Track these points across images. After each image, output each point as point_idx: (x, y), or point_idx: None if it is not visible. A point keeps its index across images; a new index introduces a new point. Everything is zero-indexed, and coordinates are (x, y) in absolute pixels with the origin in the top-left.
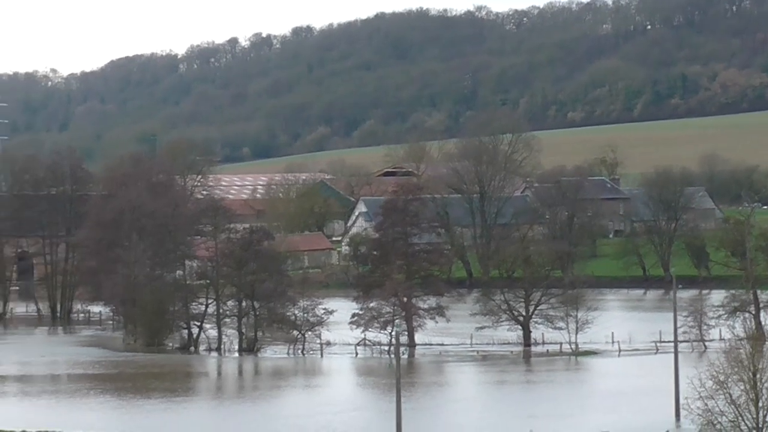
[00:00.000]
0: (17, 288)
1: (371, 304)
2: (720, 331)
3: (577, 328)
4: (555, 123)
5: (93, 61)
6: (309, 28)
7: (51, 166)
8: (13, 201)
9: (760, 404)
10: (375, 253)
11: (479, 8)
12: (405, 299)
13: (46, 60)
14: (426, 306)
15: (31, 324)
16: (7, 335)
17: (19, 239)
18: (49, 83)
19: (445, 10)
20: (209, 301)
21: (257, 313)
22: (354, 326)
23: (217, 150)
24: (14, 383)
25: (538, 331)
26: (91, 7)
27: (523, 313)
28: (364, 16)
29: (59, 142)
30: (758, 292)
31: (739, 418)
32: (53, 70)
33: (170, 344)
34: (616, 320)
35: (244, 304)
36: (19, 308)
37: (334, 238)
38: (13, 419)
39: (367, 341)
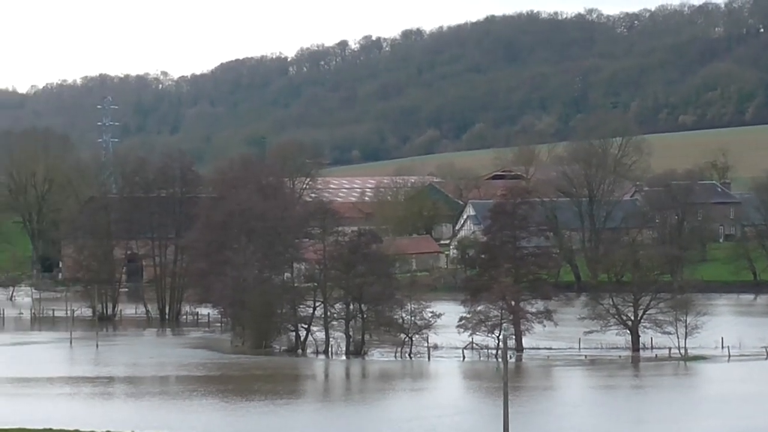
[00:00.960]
0: (126, 290)
1: (479, 308)
2: None
3: (686, 332)
4: (666, 126)
5: (203, 64)
6: (419, 31)
7: (161, 168)
8: (123, 203)
9: None
10: (483, 256)
11: (590, 11)
12: (513, 303)
13: (158, 63)
14: (534, 310)
15: (139, 326)
16: (116, 337)
17: (129, 241)
18: (160, 86)
19: (556, 13)
20: (317, 304)
21: (365, 316)
22: (461, 330)
23: (326, 153)
24: (123, 384)
25: (646, 336)
26: (202, 10)
27: (632, 318)
28: (474, 19)
29: (169, 144)
30: None
31: None
32: (164, 73)
33: (278, 347)
34: (726, 325)
35: (351, 307)
36: (128, 310)
37: (442, 242)
38: (121, 420)
39: (474, 345)
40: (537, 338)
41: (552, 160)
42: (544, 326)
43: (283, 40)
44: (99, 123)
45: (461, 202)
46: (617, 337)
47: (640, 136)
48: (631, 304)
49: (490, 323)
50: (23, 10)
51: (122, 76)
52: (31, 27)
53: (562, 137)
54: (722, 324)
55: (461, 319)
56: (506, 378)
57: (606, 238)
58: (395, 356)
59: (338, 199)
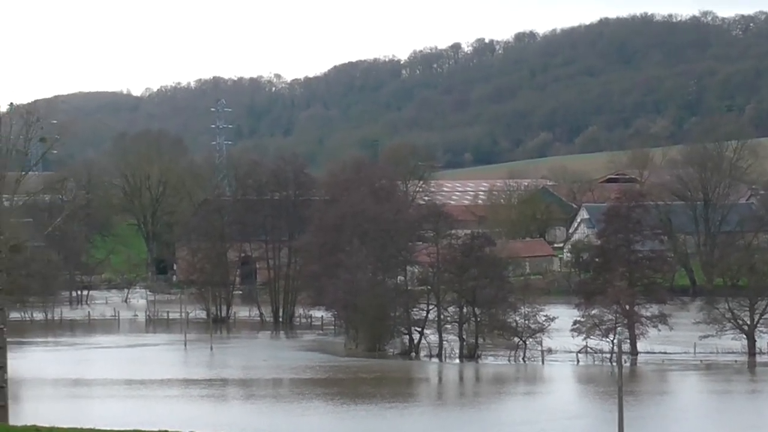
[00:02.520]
0: (240, 292)
1: (593, 312)
2: None
3: None
4: None
5: (317, 67)
6: (532, 34)
7: (274, 171)
8: (237, 206)
9: None
10: (597, 260)
11: (705, 13)
12: (627, 307)
13: (271, 65)
14: (648, 314)
15: (253, 328)
16: (230, 339)
17: (243, 244)
18: (273, 88)
19: (670, 16)
20: (430, 307)
21: (478, 319)
22: (575, 333)
23: (439, 155)
24: (237, 387)
25: (763, 341)
26: (316, 13)
27: (748, 322)
28: (587, 22)
29: (282, 147)
30: None
31: None
32: (277, 76)
33: (391, 350)
34: None
35: (464, 310)
36: (242, 312)
37: (555, 245)
38: (236, 422)
39: (588, 348)
40: (652, 342)
41: (666, 164)
42: (659, 330)
43: (396, 42)
44: (212, 125)
45: (574, 206)
46: (733, 342)
47: (755, 140)
48: (747, 309)
49: (604, 327)
50: (138, 13)
51: (236, 78)
52: (146, 30)
53: (676, 140)
54: None
55: (575, 322)
56: (621, 382)
57: (721, 241)
58: (509, 360)
59: (451, 201)
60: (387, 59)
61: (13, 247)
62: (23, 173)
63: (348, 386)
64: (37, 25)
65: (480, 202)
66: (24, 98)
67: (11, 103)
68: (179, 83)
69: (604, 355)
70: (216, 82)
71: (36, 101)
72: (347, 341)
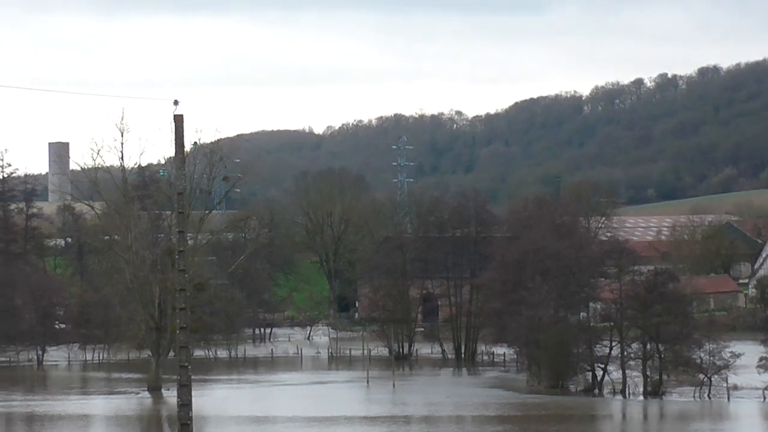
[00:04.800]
0: (422, 329)
1: None
2: None
3: None
4: None
5: (497, 103)
6: (715, 68)
7: (456, 208)
8: (418, 243)
9: None
10: None
11: None
12: None
13: (452, 102)
14: None
15: (435, 365)
16: (412, 376)
17: (424, 281)
18: (455, 125)
19: None
20: (613, 343)
21: (662, 355)
22: (761, 370)
23: (621, 191)
24: (419, 424)
25: None
26: (494, 49)
27: None
28: None
29: (464, 184)
30: None
31: None
32: (458, 113)
33: (573, 386)
34: None
35: (648, 346)
36: (423, 349)
37: (740, 281)
38: None
39: None
40: None
41: None
42: None
43: (577, 78)
44: (394, 163)
45: (760, 241)
46: None
47: None
48: None
49: None
50: (319, 53)
51: (417, 116)
52: (328, 68)
53: None
54: None
55: (761, 359)
56: None
57: None
58: (693, 397)
59: (634, 237)
60: (568, 95)
61: (197, 286)
62: (207, 212)
63: (531, 423)
64: (221, 65)
65: (663, 237)
66: (207, 137)
67: (195, 143)
68: (360, 121)
69: None
70: (397, 119)
71: (219, 140)
72: (529, 378)
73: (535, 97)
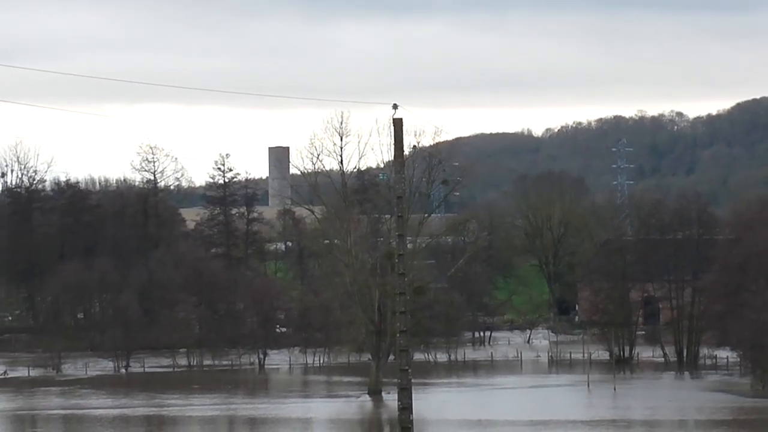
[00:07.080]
0: (643, 332)
1: None
2: None
3: None
4: None
5: (720, 104)
6: None
7: (677, 210)
8: (638, 245)
9: None
10: None
11: None
12: None
13: (672, 103)
14: None
15: (657, 369)
16: (633, 380)
17: (645, 284)
18: (675, 127)
19: None
20: None
21: None
22: None
23: None
24: (641, 428)
25: None
26: (716, 50)
27: None
28: None
29: (684, 186)
30: None
31: None
32: (679, 114)
33: None
34: None
35: None
36: (644, 352)
37: None
38: None
39: None
40: None
41: None
42: None
43: None
44: (614, 165)
45: None
46: None
47: None
48: None
49: None
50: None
51: (637, 118)
52: (537, 69)
53: None
54: None
55: None
56: None
57: None
58: None
59: None
60: None
61: (417, 289)
62: (426, 215)
63: (756, 428)
64: (434, 68)
65: None
66: (426, 141)
67: (414, 146)
68: (580, 123)
69: None
70: (617, 121)
71: (438, 144)
72: (754, 382)
73: (758, 97)
